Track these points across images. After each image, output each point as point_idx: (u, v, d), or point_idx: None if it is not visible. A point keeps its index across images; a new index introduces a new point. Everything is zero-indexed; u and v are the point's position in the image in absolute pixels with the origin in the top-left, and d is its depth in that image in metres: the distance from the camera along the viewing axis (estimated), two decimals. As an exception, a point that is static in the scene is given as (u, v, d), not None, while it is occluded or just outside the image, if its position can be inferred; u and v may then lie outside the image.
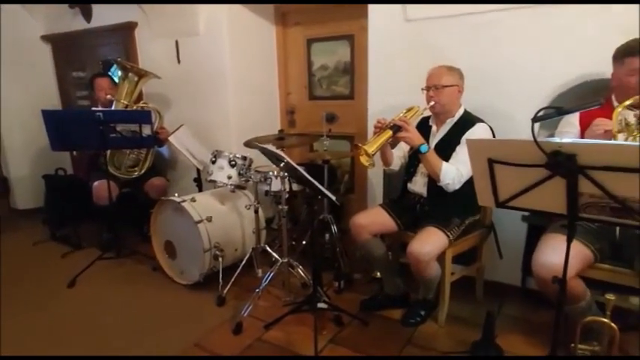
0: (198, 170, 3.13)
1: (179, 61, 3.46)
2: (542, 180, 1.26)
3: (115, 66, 3.74)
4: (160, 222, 2.81)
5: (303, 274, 2.52)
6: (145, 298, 2.59)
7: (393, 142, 2.18)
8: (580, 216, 1.27)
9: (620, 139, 1.59)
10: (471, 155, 1.40)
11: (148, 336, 2.20)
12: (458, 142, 2.08)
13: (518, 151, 1.27)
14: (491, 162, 1.34)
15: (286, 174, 2.34)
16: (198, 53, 3.35)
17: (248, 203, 2.78)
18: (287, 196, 2.46)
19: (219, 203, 2.76)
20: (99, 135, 2.72)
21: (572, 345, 1.68)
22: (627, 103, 1.60)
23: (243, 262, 2.64)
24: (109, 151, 3.07)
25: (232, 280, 2.55)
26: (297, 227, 3.28)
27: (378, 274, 2.66)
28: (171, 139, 3.03)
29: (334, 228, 2.82)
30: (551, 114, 1.34)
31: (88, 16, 3.88)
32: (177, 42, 3.42)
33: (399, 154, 2.34)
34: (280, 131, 2.82)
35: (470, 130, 2.08)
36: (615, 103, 1.73)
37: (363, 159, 1.97)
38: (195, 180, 3.20)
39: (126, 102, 3.16)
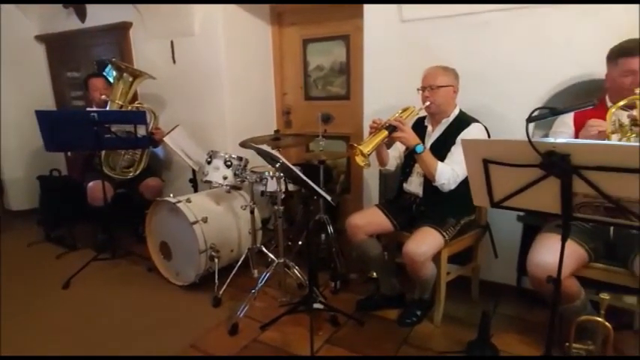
0: (193, 171, 3.12)
1: (174, 62, 3.45)
2: (536, 180, 1.27)
3: (109, 66, 3.73)
4: (156, 223, 2.80)
5: (299, 274, 2.52)
6: (141, 299, 2.58)
7: (389, 143, 2.18)
8: (574, 216, 1.28)
9: (614, 140, 1.60)
10: (466, 155, 1.41)
11: (143, 337, 2.19)
12: (453, 142, 2.09)
13: (513, 152, 1.28)
14: (486, 162, 1.34)
15: (282, 174, 2.34)
16: (194, 53, 3.34)
17: (244, 204, 2.77)
18: (283, 196, 2.46)
19: (214, 204, 2.75)
20: (93, 135, 2.71)
21: (567, 344, 1.69)
22: (621, 104, 1.61)
23: (239, 263, 2.63)
24: (103, 152, 3.06)
25: (228, 280, 2.54)
26: (293, 228, 3.27)
27: (374, 274, 2.66)
28: (166, 139, 3.02)
29: (330, 228, 2.82)
30: (545, 114, 1.34)
31: (82, 15, 3.86)
32: (172, 42, 3.40)
33: (395, 154, 2.34)
34: (276, 132, 2.82)
35: (465, 130, 2.09)
36: (609, 104, 1.73)
37: (359, 159, 1.98)
38: (190, 180, 3.19)
39: (121, 102, 3.14)
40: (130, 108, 3.16)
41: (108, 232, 3.21)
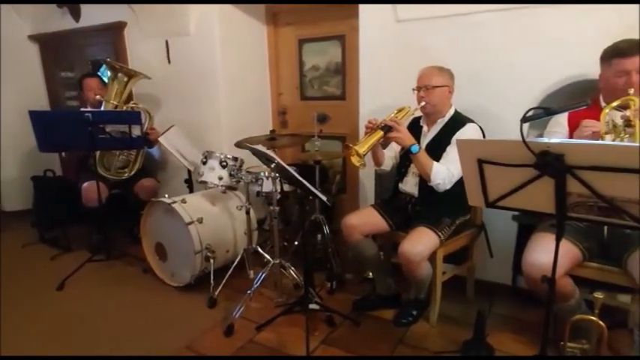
0: (188, 171, 3.11)
1: (169, 62, 3.43)
2: (531, 180, 1.27)
3: (104, 66, 3.69)
4: (151, 223, 2.79)
5: (295, 275, 2.51)
6: (136, 300, 2.57)
7: (385, 143, 2.18)
8: (569, 215, 1.28)
9: (608, 140, 1.61)
10: (461, 155, 1.41)
11: (138, 339, 2.18)
12: (448, 142, 2.10)
13: (508, 151, 1.28)
14: (480, 162, 1.35)
15: (277, 175, 2.33)
16: (189, 53, 3.32)
17: (239, 204, 2.76)
18: (278, 196, 2.46)
19: (210, 204, 2.74)
20: (88, 136, 2.69)
21: (562, 343, 1.70)
22: (615, 104, 1.62)
23: (235, 264, 2.63)
24: (98, 153, 3.04)
25: (224, 281, 2.53)
26: (288, 228, 3.27)
27: (370, 274, 2.66)
28: (161, 139, 3.01)
29: (326, 228, 2.82)
30: (539, 114, 1.35)
31: (76, 15, 3.83)
32: (167, 42, 3.39)
33: (391, 154, 2.34)
34: (272, 132, 2.82)
35: (460, 131, 2.09)
36: (603, 104, 1.74)
37: (355, 159, 1.98)
38: (185, 181, 3.18)
39: (115, 102, 3.13)
40: (124, 108, 3.15)
41: (103, 233, 3.19)
